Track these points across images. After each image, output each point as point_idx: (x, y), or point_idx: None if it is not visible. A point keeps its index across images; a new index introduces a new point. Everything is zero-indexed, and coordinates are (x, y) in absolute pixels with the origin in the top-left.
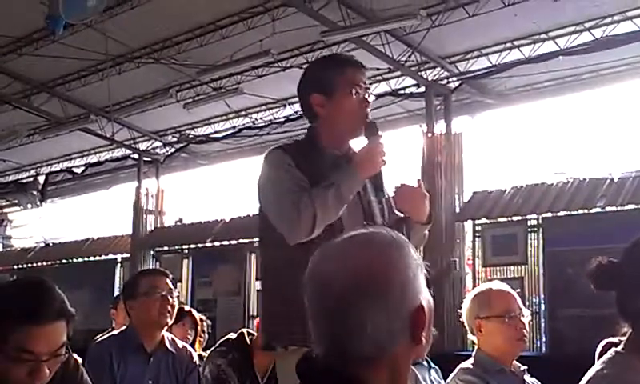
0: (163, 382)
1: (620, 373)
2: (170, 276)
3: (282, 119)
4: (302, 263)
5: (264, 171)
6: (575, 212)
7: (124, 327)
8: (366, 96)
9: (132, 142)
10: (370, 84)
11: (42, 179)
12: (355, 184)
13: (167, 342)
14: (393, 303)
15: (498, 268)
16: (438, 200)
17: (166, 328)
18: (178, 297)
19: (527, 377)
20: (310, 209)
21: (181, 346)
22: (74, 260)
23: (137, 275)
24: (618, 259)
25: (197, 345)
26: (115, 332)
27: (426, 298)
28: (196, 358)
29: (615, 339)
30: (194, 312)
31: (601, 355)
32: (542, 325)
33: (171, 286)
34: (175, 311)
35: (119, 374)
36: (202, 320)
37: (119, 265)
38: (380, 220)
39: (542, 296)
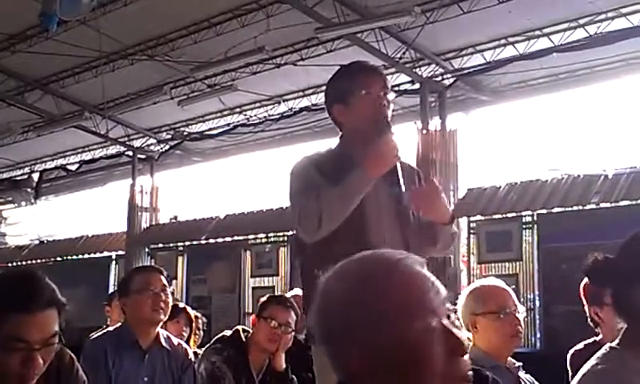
0: (159, 379)
1: (614, 368)
2: (165, 273)
3: (277, 116)
4: (324, 261)
5: (290, 179)
6: (570, 208)
7: (119, 324)
8: (382, 94)
9: (126, 139)
10: None
11: (36, 176)
12: (363, 182)
13: (162, 339)
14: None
15: (492, 265)
16: None
17: (160, 325)
18: (172, 293)
19: (522, 373)
20: (316, 208)
21: (176, 343)
22: (69, 257)
23: (131, 272)
24: (614, 255)
25: (192, 342)
26: (110, 329)
27: None
28: (191, 355)
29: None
30: (188, 309)
31: (571, 363)
32: (537, 321)
33: (165, 283)
34: (169, 308)
35: (114, 370)
36: (197, 317)
37: (114, 262)
38: (408, 215)
39: (537, 292)
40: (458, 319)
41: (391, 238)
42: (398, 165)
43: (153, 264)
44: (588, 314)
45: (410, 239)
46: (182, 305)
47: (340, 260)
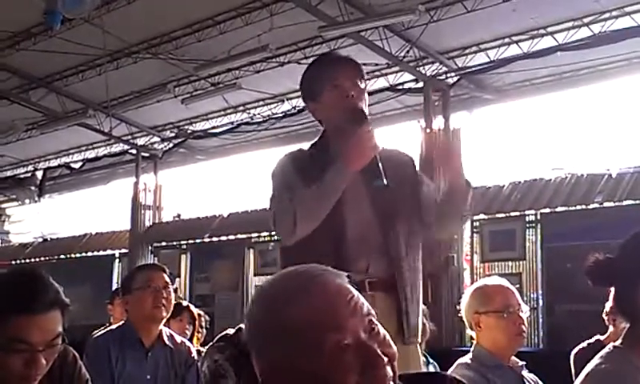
0: (162, 376)
1: (618, 367)
2: (167, 271)
3: (280, 114)
4: (305, 262)
5: (271, 180)
6: (573, 207)
7: (122, 322)
8: (350, 84)
9: (130, 137)
10: (369, 79)
11: (39, 174)
12: (340, 178)
13: (165, 337)
14: None
15: (496, 263)
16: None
17: (163, 322)
18: (176, 291)
19: (525, 372)
20: (290, 210)
21: (179, 341)
22: (72, 255)
23: (133, 270)
24: (615, 255)
25: (195, 340)
26: (113, 327)
27: None
28: (194, 353)
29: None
30: (191, 307)
31: (575, 362)
32: (540, 320)
33: (167, 280)
34: (171, 305)
35: (117, 369)
36: (200, 315)
37: (117, 260)
38: (391, 211)
39: (540, 291)
40: (383, 334)
41: (371, 233)
42: (377, 156)
43: (156, 262)
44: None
45: (393, 231)
46: (185, 303)
47: (319, 260)
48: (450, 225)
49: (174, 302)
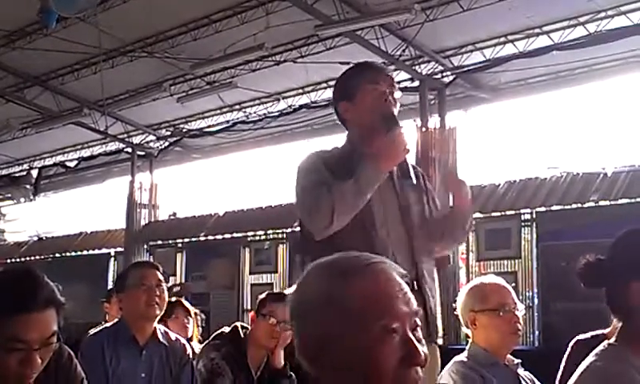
0: (157, 374)
1: (613, 364)
2: (160, 268)
3: (276, 113)
4: (327, 251)
5: (296, 174)
6: (569, 206)
7: (116, 320)
8: (387, 91)
9: (126, 135)
10: None
11: (35, 173)
12: (375, 176)
13: (160, 335)
14: None
15: (491, 262)
16: None
17: (157, 320)
18: (173, 288)
19: (521, 370)
20: (329, 202)
21: (174, 339)
22: (68, 254)
23: (126, 268)
24: (605, 255)
25: (195, 337)
26: (107, 325)
27: None
28: (189, 351)
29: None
30: (182, 301)
31: (570, 353)
32: (536, 318)
33: (160, 278)
34: (165, 303)
35: (112, 367)
36: (196, 314)
37: (113, 259)
38: (416, 210)
39: (536, 290)
40: (422, 338)
41: (396, 234)
42: (408, 159)
43: (152, 260)
44: None
45: (414, 235)
46: (173, 299)
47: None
48: (456, 235)
49: (172, 299)
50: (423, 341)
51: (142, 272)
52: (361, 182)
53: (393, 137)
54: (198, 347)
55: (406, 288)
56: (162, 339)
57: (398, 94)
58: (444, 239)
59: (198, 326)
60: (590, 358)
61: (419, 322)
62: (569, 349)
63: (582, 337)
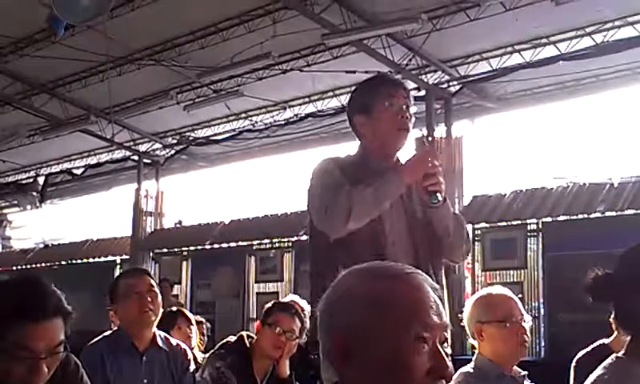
0: (158, 380)
1: (621, 378)
2: (150, 273)
3: (282, 122)
4: (341, 263)
5: (312, 177)
6: (575, 217)
7: (115, 328)
8: (404, 107)
9: (132, 143)
10: None
11: (41, 180)
12: (396, 185)
13: (159, 340)
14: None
15: (497, 272)
16: None
17: (155, 324)
18: (177, 297)
19: (527, 382)
20: (346, 203)
21: (174, 344)
22: (74, 261)
23: (116, 278)
24: (613, 268)
25: (197, 346)
26: (106, 333)
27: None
28: (190, 355)
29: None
30: (183, 310)
31: (576, 368)
32: (542, 329)
33: (152, 283)
34: (159, 307)
35: (112, 374)
36: (201, 323)
37: (118, 266)
38: (423, 221)
39: (542, 301)
40: (448, 353)
41: (402, 243)
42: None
43: (156, 269)
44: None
45: (419, 244)
46: (174, 308)
47: (357, 263)
48: (448, 243)
49: (173, 308)
50: (449, 355)
51: (130, 280)
52: (382, 189)
53: (422, 152)
54: (200, 356)
55: (439, 301)
56: (162, 345)
57: (413, 109)
58: (445, 249)
59: (201, 335)
60: (598, 372)
61: (448, 337)
62: (574, 365)
63: (583, 353)
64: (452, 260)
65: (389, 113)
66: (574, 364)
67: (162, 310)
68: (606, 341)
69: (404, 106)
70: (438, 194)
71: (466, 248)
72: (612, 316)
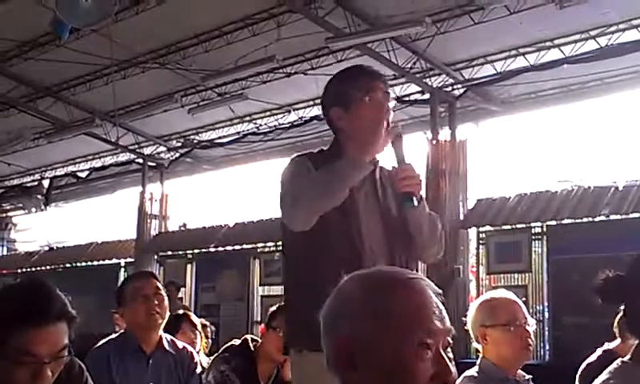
0: (165, 383)
1: (627, 383)
2: (157, 276)
3: (287, 125)
4: (312, 264)
5: (283, 173)
6: (580, 220)
7: (122, 331)
8: (383, 101)
9: (136, 146)
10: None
11: (46, 183)
12: (353, 164)
13: (166, 343)
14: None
15: (501, 275)
16: (442, 207)
17: (162, 327)
18: (181, 299)
19: None
20: (297, 191)
21: (181, 347)
22: (78, 264)
23: (123, 281)
24: (623, 270)
25: (201, 349)
26: (113, 336)
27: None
28: (197, 358)
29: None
30: (189, 315)
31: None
32: (546, 333)
33: (158, 286)
34: (166, 310)
35: (118, 377)
36: (205, 326)
37: (123, 269)
38: (398, 220)
39: (546, 304)
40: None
41: (381, 248)
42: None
43: (161, 271)
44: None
45: (395, 243)
46: (180, 312)
47: (334, 267)
48: (421, 242)
49: (179, 312)
50: (451, 360)
51: (138, 283)
52: (334, 169)
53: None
54: (204, 359)
55: (441, 306)
56: (168, 348)
57: (392, 103)
58: (416, 248)
59: (207, 338)
60: (604, 376)
61: (450, 342)
62: (580, 374)
63: (587, 362)
64: (423, 260)
65: (367, 107)
66: (579, 373)
67: (168, 314)
68: (610, 346)
69: (383, 100)
70: (414, 198)
71: (438, 248)
72: (616, 322)
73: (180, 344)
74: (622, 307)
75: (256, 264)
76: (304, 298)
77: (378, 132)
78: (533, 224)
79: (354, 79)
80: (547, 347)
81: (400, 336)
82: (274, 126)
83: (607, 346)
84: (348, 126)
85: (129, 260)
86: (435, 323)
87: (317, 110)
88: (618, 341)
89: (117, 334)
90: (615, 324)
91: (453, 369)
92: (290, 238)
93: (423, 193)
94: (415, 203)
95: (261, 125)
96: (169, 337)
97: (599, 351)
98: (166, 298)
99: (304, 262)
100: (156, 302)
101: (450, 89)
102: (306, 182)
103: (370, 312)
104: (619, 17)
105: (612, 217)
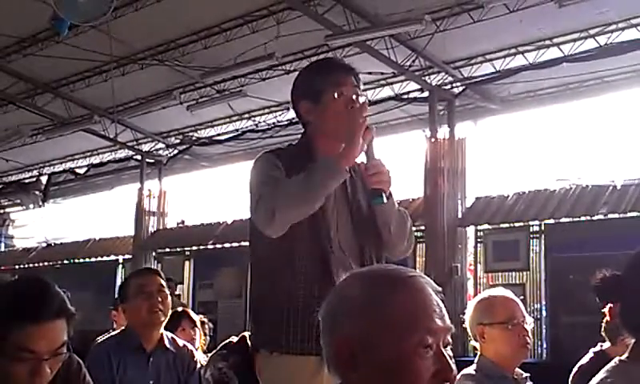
0: (164, 381)
1: (624, 382)
2: (161, 273)
3: (286, 122)
4: (281, 263)
5: (251, 174)
6: (578, 219)
7: (123, 328)
8: (354, 97)
9: (135, 143)
10: (374, 88)
11: (44, 179)
12: (331, 171)
13: (166, 341)
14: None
15: (499, 274)
16: (440, 205)
17: (163, 325)
18: (179, 297)
19: None
20: (272, 198)
21: (181, 345)
22: (76, 260)
23: (127, 278)
24: (621, 269)
25: (200, 347)
26: (114, 333)
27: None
28: (197, 357)
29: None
30: (189, 311)
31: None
32: (544, 331)
33: (162, 283)
34: (168, 308)
35: (119, 374)
36: (203, 323)
37: (121, 266)
38: (368, 216)
39: (544, 302)
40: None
41: (351, 246)
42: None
43: (159, 268)
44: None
45: (365, 244)
46: (180, 309)
47: (303, 267)
48: (398, 246)
49: (178, 309)
50: (452, 357)
51: (141, 280)
52: (314, 178)
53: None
54: (202, 357)
55: (441, 304)
56: (169, 346)
57: (362, 98)
58: (384, 244)
59: (205, 335)
60: (601, 375)
61: (450, 340)
62: (574, 372)
63: (581, 363)
64: (391, 256)
65: (337, 104)
66: (572, 375)
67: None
68: (603, 347)
69: (354, 96)
70: (383, 195)
71: (408, 245)
72: (603, 326)
73: (180, 342)
74: (611, 306)
75: None
76: (274, 299)
77: (347, 128)
78: (531, 222)
79: (324, 73)
80: (545, 345)
81: (400, 334)
82: (273, 123)
83: (599, 347)
84: (316, 120)
85: (127, 257)
86: (436, 321)
87: None
88: (608, 343)
89: (117, 331)
90: (603, 328)
91: (454, 367)
92: (258, 238)
93: (420, 191)
94: (384, 200)
95: (260, 122)
96: (169, 335)
97: (591, 353)
98: (169, 296)
99: (273, 261)
100: (159, 300)
101: (449, 87)
102: (281, 193)
103: (370, 311)
104: (618, 16)
105: (610, 215)
